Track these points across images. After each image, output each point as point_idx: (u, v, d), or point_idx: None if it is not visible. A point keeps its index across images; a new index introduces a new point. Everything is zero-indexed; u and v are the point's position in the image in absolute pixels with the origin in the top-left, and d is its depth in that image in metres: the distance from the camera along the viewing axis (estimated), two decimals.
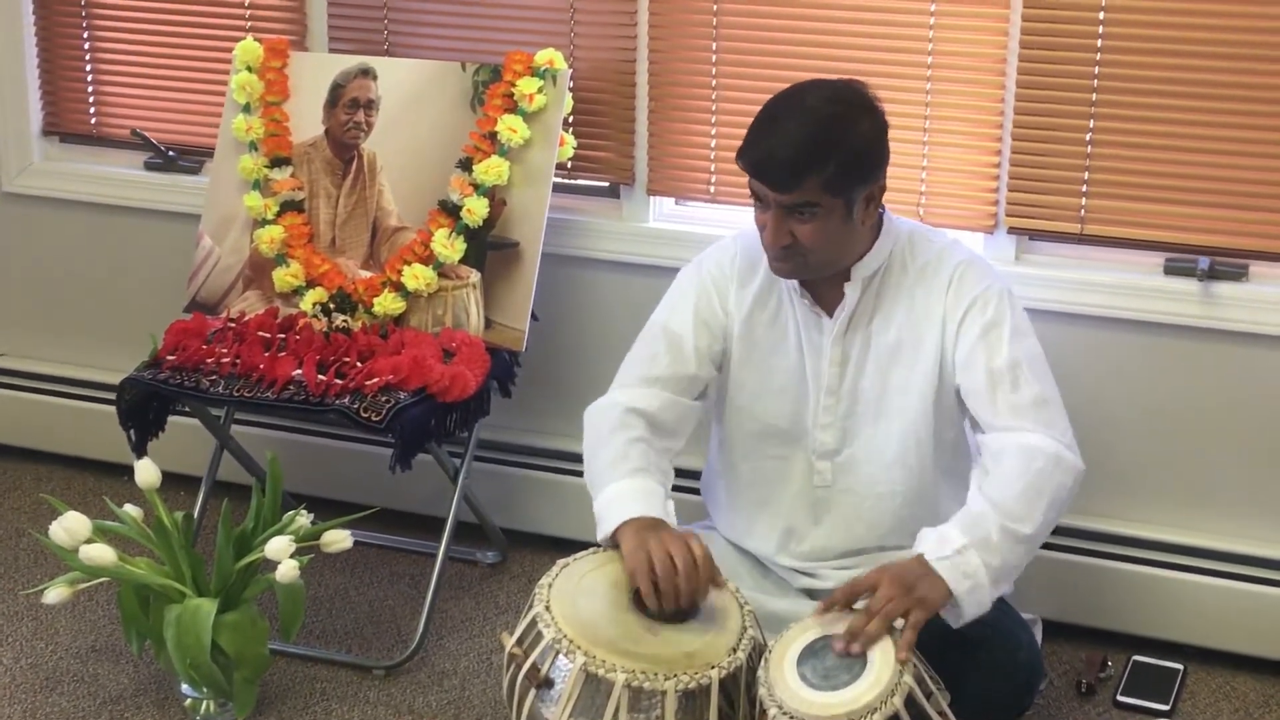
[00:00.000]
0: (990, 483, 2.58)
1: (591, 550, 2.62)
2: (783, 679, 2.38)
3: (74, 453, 4.05)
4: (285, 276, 3.46)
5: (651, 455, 2.69)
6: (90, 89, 3.92)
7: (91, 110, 3.94)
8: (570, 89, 3.41)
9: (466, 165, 3.39)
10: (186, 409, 3.43)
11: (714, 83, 3.38)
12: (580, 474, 2.79)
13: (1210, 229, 3.12)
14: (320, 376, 3.18)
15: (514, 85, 3.37)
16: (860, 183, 2.63)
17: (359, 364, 3.21)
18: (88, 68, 3.91)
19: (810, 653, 2.41)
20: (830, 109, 2.62)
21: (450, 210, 3.38)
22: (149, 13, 3.81)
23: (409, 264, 3.38)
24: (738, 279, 2.83)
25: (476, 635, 3.35)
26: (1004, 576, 2.54)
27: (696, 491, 3.06)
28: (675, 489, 2.72)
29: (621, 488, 2.63)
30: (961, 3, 3.18)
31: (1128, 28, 3.08)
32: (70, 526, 2.92)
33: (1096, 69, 3.11)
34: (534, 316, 3.34)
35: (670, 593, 2.47)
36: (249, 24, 3.71)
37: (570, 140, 3.43)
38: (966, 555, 2.47)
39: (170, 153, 3.86)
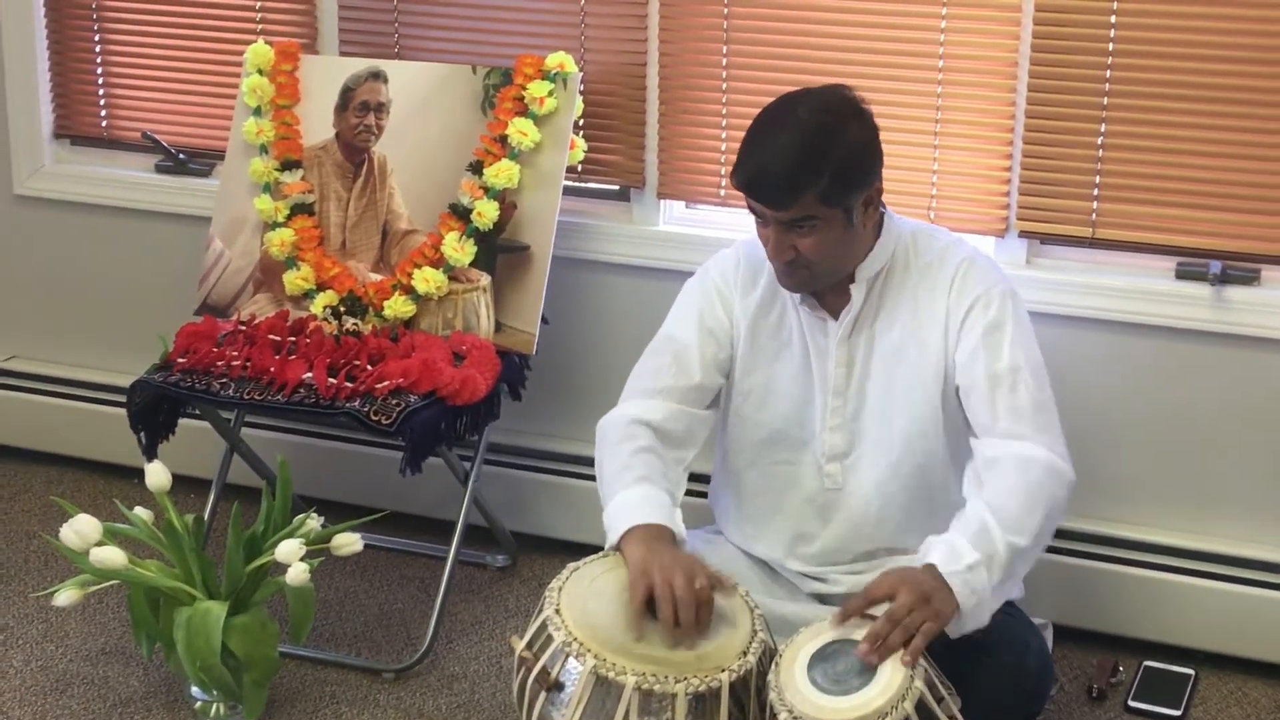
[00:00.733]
0: (991, 493, 2.57)
1: (601, 554, 2.62)
2: (793, 683, 2.38)
3: (84, 455, 4.05)
4: (296, 279, 3.46)
5: (657, 464, 2.69)
6: (101, 92, 3.93)
7: (102, 113, 3.94)
8: (581, 92, 3.40)
9: (477, 168, 3.39)
10: (197, 412, 3.44)
11: (724, 86, 3.38)
12: (590, 478, 2.80)
13: (1222, 233, 3.12)
14: (331, 379, 3.18)
15: (524, 88, 3.37)
16: (856, 189, 2.62)
17: (369, 367, 3.21)
18: (99, 71, 3.91)
19: (821, 657, 2.41)
20: (816, 120, 2.59)
21: (461, 213, 3.38)
22: (160, 16, 3.82)
23: (419, 267, 3.38)
24: (741, 286, 2.83)
25: (486, 639, 3.35)
26: (1003, 592, 2.55)
27: (705, 495, 3.06)
28: (684, 493, 2.72)
29: (626, 497, 2.63)
30: (973, 6, 3.18)
31: (1139, 32, 3.07)
32: (81, 529, 2.92)
33: (1108, 73, 3.11)
34: (544, 320, 3.34)
35: (669, 622, 2.45)
36: (260, 27, 3.72)
37: (581, 143, 3.43)
38: (977, 572, 2.46)
39: (181, 155, 3.86)
